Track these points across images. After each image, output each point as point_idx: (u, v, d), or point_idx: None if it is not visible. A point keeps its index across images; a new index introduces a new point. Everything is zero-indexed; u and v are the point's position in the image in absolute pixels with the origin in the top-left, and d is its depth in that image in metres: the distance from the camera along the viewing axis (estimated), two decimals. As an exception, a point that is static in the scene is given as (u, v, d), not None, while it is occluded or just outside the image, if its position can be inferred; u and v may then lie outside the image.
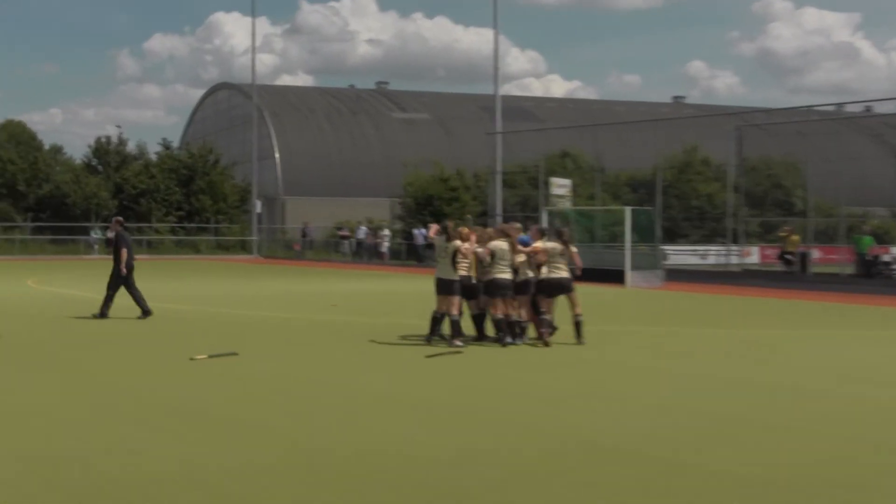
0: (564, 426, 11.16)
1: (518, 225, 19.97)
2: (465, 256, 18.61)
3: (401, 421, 11.33)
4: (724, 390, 13.71)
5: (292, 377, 14.59)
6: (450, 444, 10.13)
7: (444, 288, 18.56)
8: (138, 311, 22.92)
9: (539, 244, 19.14)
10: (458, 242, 18.56)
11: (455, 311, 18.45)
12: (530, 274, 18.95)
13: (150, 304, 23.14)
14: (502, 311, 18.64)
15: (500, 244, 18.78)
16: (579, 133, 64.19)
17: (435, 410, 12.11)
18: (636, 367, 16.03)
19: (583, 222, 47.43)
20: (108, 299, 23.05)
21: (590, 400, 12.89)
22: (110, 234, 24.49)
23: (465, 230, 19.18)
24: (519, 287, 18.81)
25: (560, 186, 48.03)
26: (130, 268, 23.38)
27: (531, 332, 19.11)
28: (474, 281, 18.82)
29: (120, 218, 25.26)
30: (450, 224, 19.14)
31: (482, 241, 19.07)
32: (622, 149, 59.93)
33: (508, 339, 18.47)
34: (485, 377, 14.90)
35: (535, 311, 19.00)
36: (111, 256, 23.71)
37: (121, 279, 23.24)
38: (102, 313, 22.83)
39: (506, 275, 18.65)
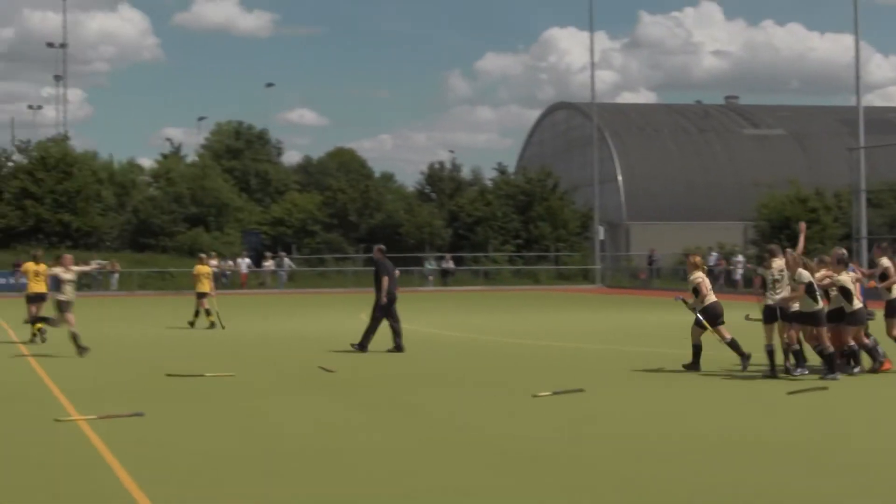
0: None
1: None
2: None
3: (773, 467, 10.78)
4: None
5: (642, 416, 14.21)
6: (839, 495, 9.58)
7: (777, 316, 18.47)
8: (390, 344, 23.37)
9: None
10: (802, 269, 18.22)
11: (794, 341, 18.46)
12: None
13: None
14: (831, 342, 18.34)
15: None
16: (957, 145, 61.22)
17: (813, 456, 11.49)
18: None
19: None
20: (371, 331, 23.54)
21: None
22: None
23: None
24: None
25: (936, 205, 45.94)
26: (392, 298, 23.75)
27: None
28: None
29: (381, 246, 25.63)
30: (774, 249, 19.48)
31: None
32: None
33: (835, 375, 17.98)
34: (860, 418, 14.13)
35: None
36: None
37: (382, 309, 23.61)
38: (362, 345, 23.40)
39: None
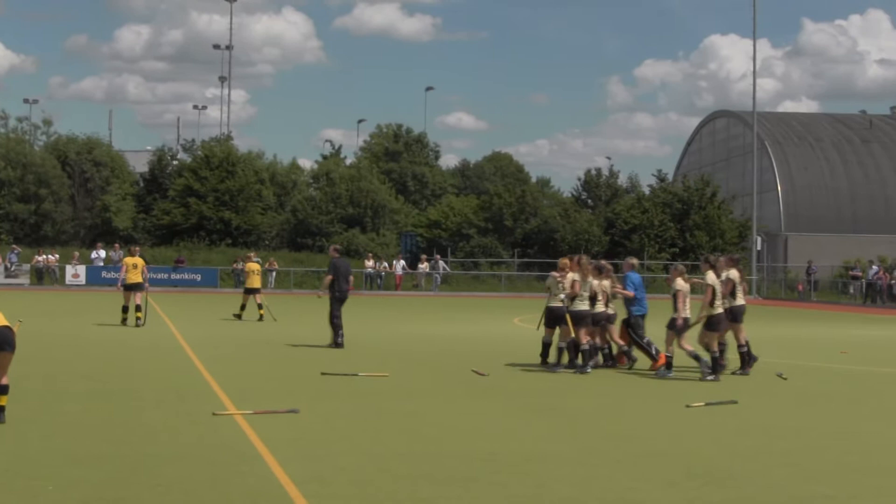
0: None
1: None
2: None
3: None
4: None
5: (795, 428, 14.13)
6: None
7: None
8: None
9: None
10: None
11: None
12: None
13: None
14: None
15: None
16: None
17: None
18: None
19: None
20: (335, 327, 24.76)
21: None
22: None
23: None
24: None
25: None
26: (338, 298, 24.85)
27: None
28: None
29: (337, 246, 27.18)
30: None
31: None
32: None
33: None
34: None
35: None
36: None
37: (333, 305, 24.81)
38: (336, 343, 24.55)
39: None
